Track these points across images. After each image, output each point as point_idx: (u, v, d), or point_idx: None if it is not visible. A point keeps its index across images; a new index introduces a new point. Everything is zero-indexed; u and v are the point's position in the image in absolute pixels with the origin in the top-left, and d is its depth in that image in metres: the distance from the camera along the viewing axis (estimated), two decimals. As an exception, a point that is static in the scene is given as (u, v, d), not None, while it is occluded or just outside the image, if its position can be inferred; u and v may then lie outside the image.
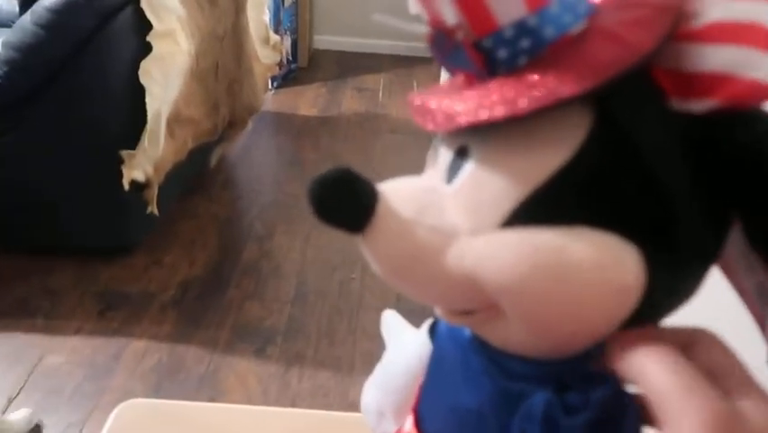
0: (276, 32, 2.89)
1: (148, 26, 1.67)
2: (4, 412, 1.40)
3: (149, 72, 1.68)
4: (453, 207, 0.28)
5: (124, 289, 1.81)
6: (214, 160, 2.38)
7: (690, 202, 0.26)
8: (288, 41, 3.25)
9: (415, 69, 3.50)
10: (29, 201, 1.78)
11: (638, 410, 0.28)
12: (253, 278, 1.91)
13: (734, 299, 0.32)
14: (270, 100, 3.02)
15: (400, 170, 0.34)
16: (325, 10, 3.69)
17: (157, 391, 1.50)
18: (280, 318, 1.75)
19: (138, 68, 1.66)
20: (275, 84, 3.14)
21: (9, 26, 1.76)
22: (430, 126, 0.28)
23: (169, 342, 1.64)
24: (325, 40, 3.75)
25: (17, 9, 1.69)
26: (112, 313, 1.72)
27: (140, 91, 1.67)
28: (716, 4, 0.26)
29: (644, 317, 0.28)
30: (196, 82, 1.97)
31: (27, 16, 1.60)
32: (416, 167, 0.33)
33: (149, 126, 1.71)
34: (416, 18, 0.29)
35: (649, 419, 0.28)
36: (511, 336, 0.29)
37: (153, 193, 1.82)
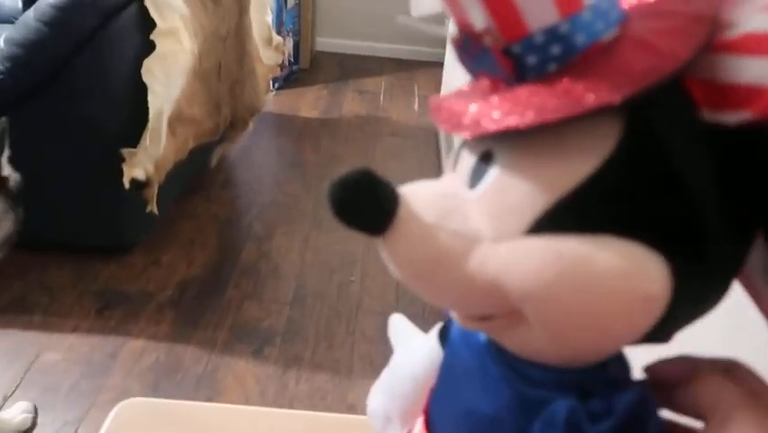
0: (278, 33, 2.89)
1: (151, 24, 1.67)
2: (0, 409, 1.40)
3: (151, 70, 1.68)
4: (477, 213, 0.28)
5: (123, 288, 1.80)
6: (214, 160, 2.38)
7: (718, 214, 0.26)
8: (290, 43, 3.26)
9: (416, 73, 3.51)
10: (28, 198, 1.77)
11: (661, 417, 0.28)
12: (252, 278, 1.90)
13: (754, 313, 0.32)
14: (272, 101, 3.02)
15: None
16: (328, 12, 3.70)
17: (154, 391, 1.49)
18: (279, 319, 1.75)
19: (141, 66, 1.66)
20: (276, 85, 3.14)
21: (12, 22, 1.76)
22: (455, 130, 0.28)
23: (167, 341, 1.64)
24: (327, 42, 3.76)
25: (20, 5, 1.69)
26: (110, 312, 1.72)
27: (142, 89, 1.67)
28: (752, 15, 0.26)
29: (667, 328, 0.28)
30: (199, 81, 1.97)
31: (30, 12, 1.60)
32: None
33: (150, 125, 1.71)
34: (434, 20, 0.29)
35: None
36: (532, 342, 0.29)
37: (153, 192, 1.82)
